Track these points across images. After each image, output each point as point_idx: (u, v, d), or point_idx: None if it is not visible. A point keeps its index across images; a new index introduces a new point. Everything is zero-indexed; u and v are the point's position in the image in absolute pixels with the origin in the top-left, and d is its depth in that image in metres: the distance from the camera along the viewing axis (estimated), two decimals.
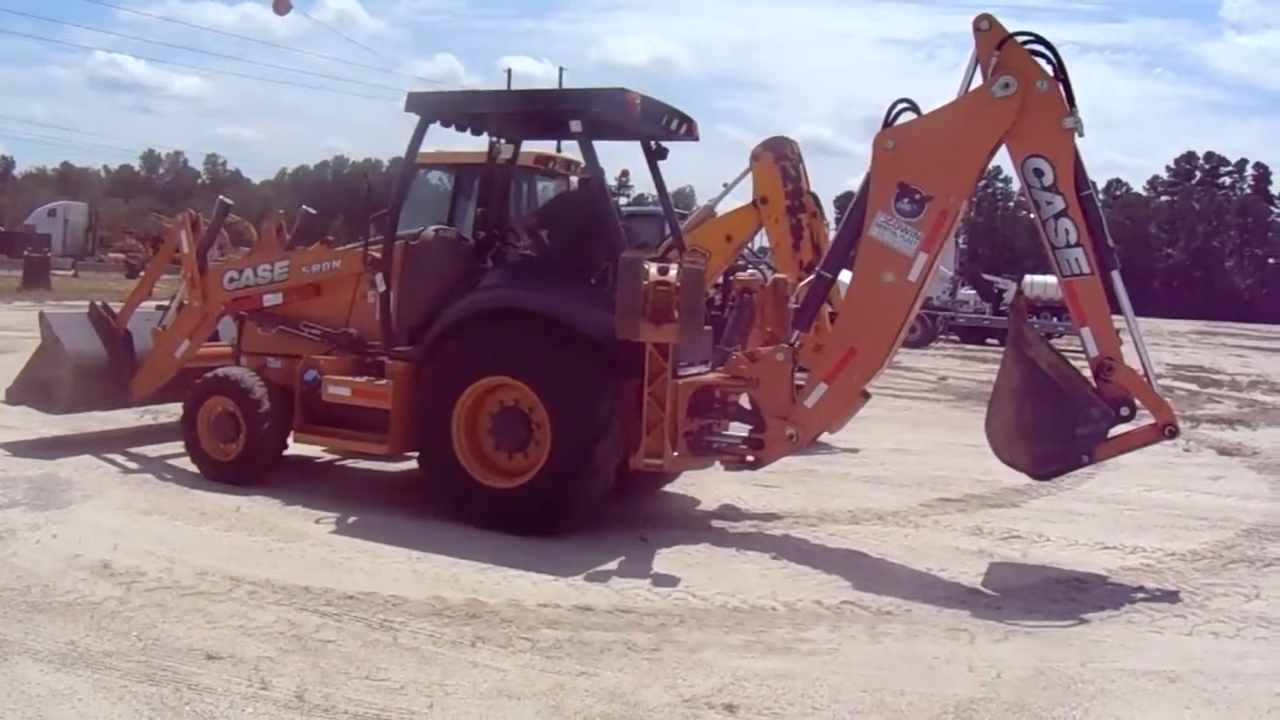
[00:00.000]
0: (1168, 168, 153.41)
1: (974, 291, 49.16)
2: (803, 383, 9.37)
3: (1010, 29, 8.75)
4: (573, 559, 8.52)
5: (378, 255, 10.21)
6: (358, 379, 10.17)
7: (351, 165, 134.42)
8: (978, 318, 45.57)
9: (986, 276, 53.33)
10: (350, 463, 11.99)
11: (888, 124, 9.15)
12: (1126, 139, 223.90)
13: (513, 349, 9.37)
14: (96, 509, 9.50)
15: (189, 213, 12.57)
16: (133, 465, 11.28)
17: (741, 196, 15.63)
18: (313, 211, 13.33)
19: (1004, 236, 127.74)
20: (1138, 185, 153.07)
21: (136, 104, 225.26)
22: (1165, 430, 8.70)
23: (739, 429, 9.81)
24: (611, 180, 11.79)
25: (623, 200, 20.30)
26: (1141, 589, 8.60)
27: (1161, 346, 46.02)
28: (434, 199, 16.54)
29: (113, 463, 11.30)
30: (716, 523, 10.20)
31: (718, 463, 9.88)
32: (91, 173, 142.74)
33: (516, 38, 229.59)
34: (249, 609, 7.13)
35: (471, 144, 11.61)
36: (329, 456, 12.13)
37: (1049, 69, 8.67)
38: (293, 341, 10.85)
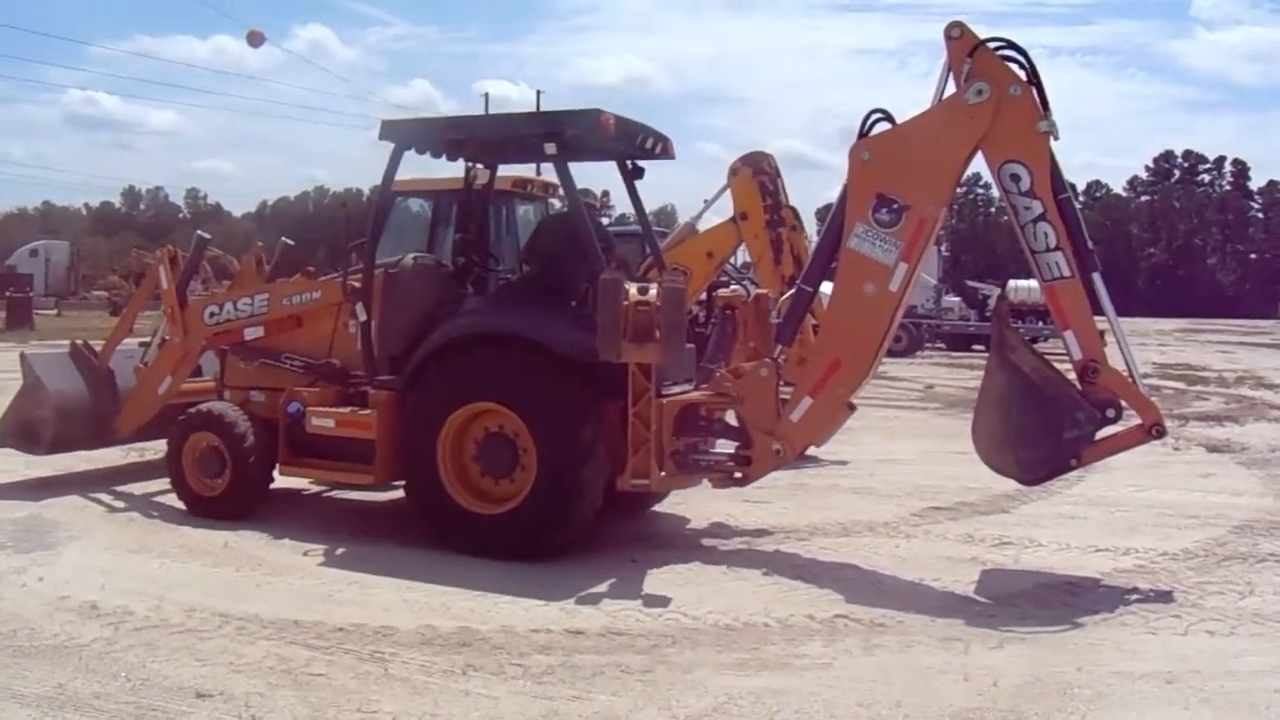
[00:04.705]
0: (1146, 167, 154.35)
1: (958, 298, 49.23)
2: (788, 397, 9.34)
3: (981, 35, 8.76)
4: (563, 583, 8.48)
5: (357, 285, 10.17)
6: (341, 410, 10.14)
7: (332, 195, 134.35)
8: (963, 324, 45.64)
9: (970, 283, 53.43)
10: (337, 494, 11.93)
11: (863, 135, 9.14)
12: (1103, 140, 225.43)
13: (495, 374, 9.33)
14: (83, 549, 9.45)
15: (167, 248, 12.55)
16: (119, 504, 11.23)
17: (722, 213, 15.66)
18: (291, 243, 13.33)
19: (987, 242, 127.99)
20: (1117, 186, 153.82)
21: (114, 140, 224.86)
22: (1152, 430, 8.68)
23: (726, 446, 9.78)
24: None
25: (604, 220, 20.34)
26: (1135, 590, 8.59)
27: (1147, 346, 46.15)
28: (414, 226, 16.50)
29: (99, 502, 11.25)
30: (707, 541, 10.17)
31: (706, 481, 9.83)
32: (73, 211, 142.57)
33: (489, 61, 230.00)
34: (238, 645, 7.08)
35: (450, 170, 11.59)
36: (315, 488, 12.07)
37: (1021, 74, 8.68)
38: (275, 374, 10.82)
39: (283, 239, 13.56)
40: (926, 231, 8.92)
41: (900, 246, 8.85)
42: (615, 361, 8.87)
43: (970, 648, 7.19)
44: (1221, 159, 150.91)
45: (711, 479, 9.74)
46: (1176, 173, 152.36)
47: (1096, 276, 8.76)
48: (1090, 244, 8.86)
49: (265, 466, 10.58)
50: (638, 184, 10.99)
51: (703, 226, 16.19)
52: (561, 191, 10.83)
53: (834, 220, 9.26)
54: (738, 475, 9.54)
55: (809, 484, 12.73)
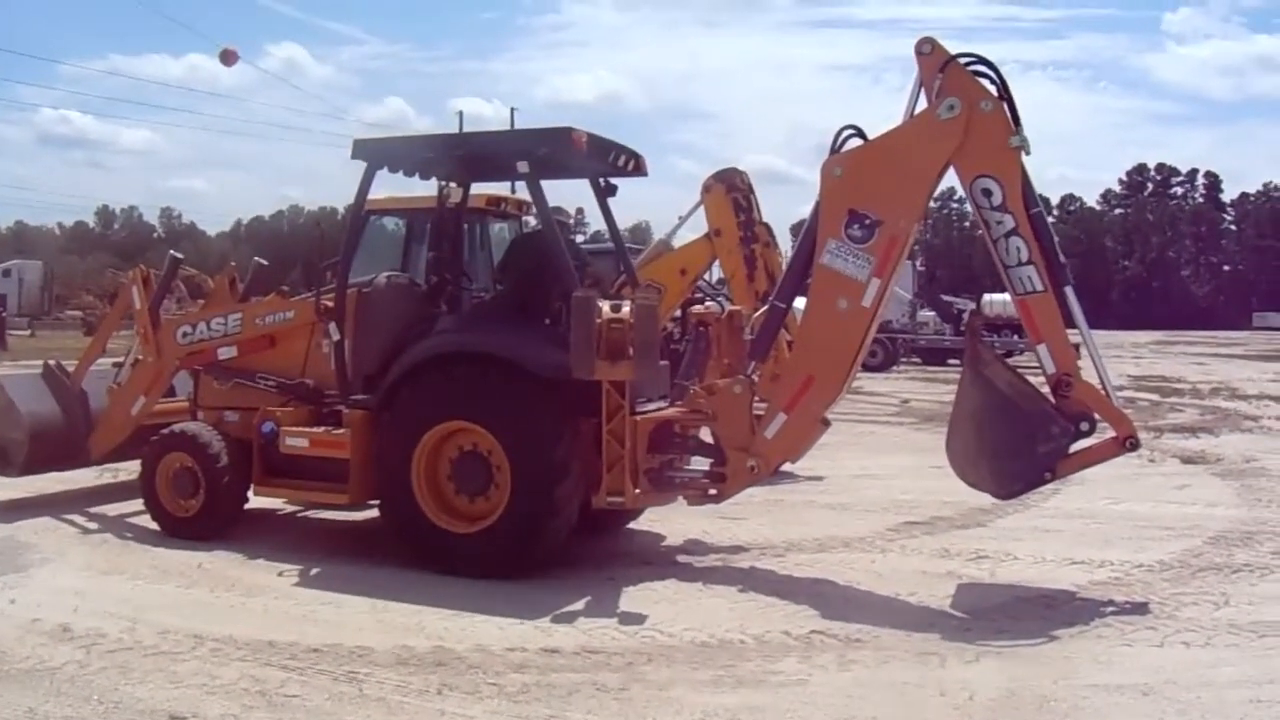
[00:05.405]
0: (1120, 180, 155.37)
1: (933, 313, 49.40)
2: (762, 413, 9.33)
3: (953, 51, 8.79)
4: (538, 601, 8.46)
5: (331, 304, 10.15)
6: (315, 429, 10.12)
7: (306, 214, 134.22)
8: (938, 339, 45.81)
9: (945, 297, 53.69)
10: (312, 514, 11.90)
11: (835, 151, 9.16)
12: (1076, 154, 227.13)
13: (469, 393, 9.32)
14: (55, 571, 9.40)
15: (140, 268, 12.52)
16: (92, 525, 11.19)
17: (696, 229, 15.68)
18: (264, 263, 13.28)
19: (962, 256, 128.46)
20: (1091, 199, 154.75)
21: (87, 159, 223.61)
22: (1126, 443, 8.70)
23: (701, 463, 9.77)
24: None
25: (579, 238, 20.43)
26: (1111, 602, 8.60)
27: (1122, 358, 46.37)
28: (388, 245, 16.50)
29: (72, 523, 11.21)
30: (682, 558, 10.15)
31: (681, 498, 9.82)
32: (46, 230, 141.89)
33: (463, 79, 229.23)
34: (212, 667, 7.03)
35: (423, 188, 11.59)
36: (290, 508, 12.03)
37: (993, 89, 8.71)
38: (249, 394, 10.79)
39: (256, 258, 13.51)
40: (899, 247, 8.93)
41: (873, 262, 8.86)
42: (589, 379, 8.87)
43: (946, 662, 7.19)
44: (1194, 172, 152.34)
45: (686, 496, 9.73)
46: (1150, 186, 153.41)
47: (1069, 290, 8.79)
48: (1062, 258, 8.89)
49: (239, 487, 10.55)
50: (611, 201, 11.03)
51: (677, 243, 16.21)
52: (535, 209, 10.81)
53: (807, 236, 9.27)
54: (713, 492, 9.53)
55: (784, 500, 12.73)
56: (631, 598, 8.73)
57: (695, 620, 8.05)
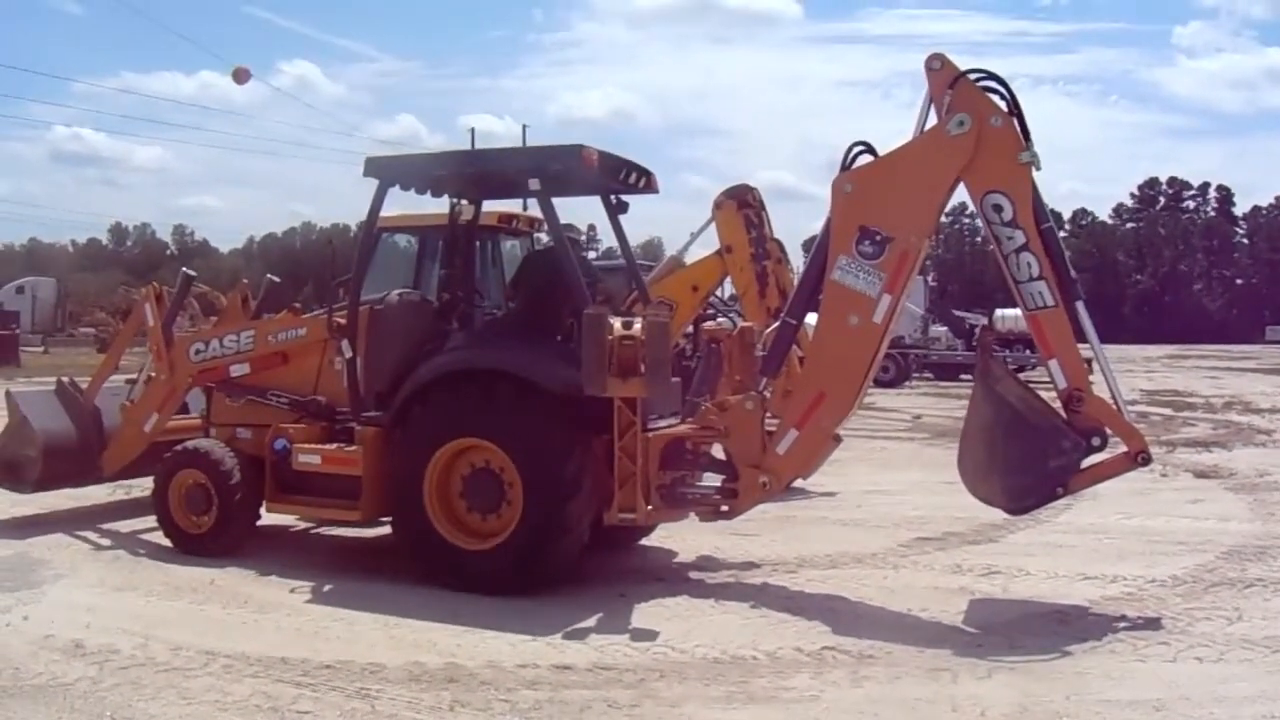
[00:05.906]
0: (1131, 194, 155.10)
1: (945, 328, 49.35)
2: (774, 429, 9.33)
3: (962, 66, 8.79)
4: (550, 618, 8.45)
5: (343, 321, 10.17)
6: (327, 446, 10.14)
7: (318, 231, 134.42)
8: (950, 354, 45.70)
9: (957, 312, 53.63)
10: (324, 531, 11.92)
11: (845, 167, 9.16)
12: (1087, 168, 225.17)
13: (481, 410, 9.32)
14: (68, 588, 9.42)
15: (152, 285, 12.55)
16: (105, 542, 11.22)
17: (707, 246, 15.70)
18: (277, 280, 13.34)
19: (973, 272, 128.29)
20: (1102, 214, 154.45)
21: (100, 177, 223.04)
22: (1137, 458, 8.68)
23: (713, 479, 9.76)
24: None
25: (591, 255, 20.55)
26: (1124, 618, 8.57)
27: (1135, 372, 46.28)
28: (400, 262, 16.52)
29: (85, 540, 11.23)
30: (694, 574, 10.14)
31: (693, 514, 9.81)
32: (59, 248, 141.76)
33: (474, 96, 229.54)
34: (225, 683, 7.04)
35: (435, 206, 11.61)
36: (302, 525, 12.05)
37: (1003, 105, 8.71)
38: (261, 411, 10.81)
39: (268, 275, 13.58)
40: (910, 263, 8.94)
41: (884, 278, 8.86)
42: (601, 396, 8.88)
43: (958, 678, 7.17)
44: (1206, 185, 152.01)
45: (698, 512, 9.72)
46: (1161, 200, 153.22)
47: (1080, 305, 8.79)
48: (1073, 273, 8.90)
49: (252, 503, 10.56)
50: (622, 218, 11.04)
51: (688, 260, 16.23)
52: (546, 226, 10.83)
53: (818, 253, 9.27)
54: (724, 508, 9.51)
55: (796, 516, 12.72)
56: (643, 614, 8.72)
57: (707, 636, 8.04)
